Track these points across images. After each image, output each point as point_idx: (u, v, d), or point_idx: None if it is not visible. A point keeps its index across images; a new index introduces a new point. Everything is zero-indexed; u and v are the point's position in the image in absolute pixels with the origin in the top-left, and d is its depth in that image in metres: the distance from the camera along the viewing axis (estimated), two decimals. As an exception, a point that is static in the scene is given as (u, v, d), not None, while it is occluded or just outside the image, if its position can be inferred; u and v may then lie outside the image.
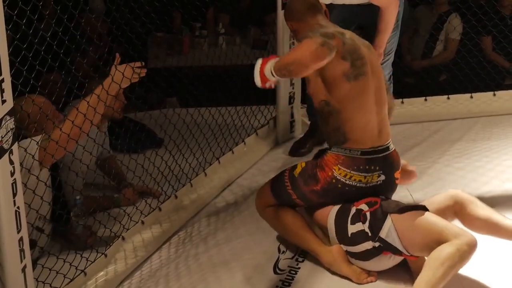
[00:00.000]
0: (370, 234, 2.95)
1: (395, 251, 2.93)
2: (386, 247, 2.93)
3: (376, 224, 2.94)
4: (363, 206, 3.00)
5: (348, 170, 3.03)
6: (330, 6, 3.68)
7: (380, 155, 3.06)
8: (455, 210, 3.03)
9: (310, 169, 3.12)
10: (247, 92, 5.00)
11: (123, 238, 3.33)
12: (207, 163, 4.02)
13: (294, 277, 3.12)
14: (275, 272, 3.14)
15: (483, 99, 4.91)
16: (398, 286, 3.00)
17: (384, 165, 3.06)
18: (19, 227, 2.49)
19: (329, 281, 3.08)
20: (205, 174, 3.97)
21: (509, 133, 4.58)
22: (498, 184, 3.84)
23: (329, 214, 3.09)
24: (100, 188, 3.72)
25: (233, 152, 4.23)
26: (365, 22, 3.97)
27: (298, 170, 3.17)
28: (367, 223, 2.96)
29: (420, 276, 2.77)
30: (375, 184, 3.06)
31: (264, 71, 2.89)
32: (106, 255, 3.19)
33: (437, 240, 2.79)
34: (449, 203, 3.05)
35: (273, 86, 2.97)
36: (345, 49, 2.97)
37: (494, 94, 4.94)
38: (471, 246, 2.75)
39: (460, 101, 4.79)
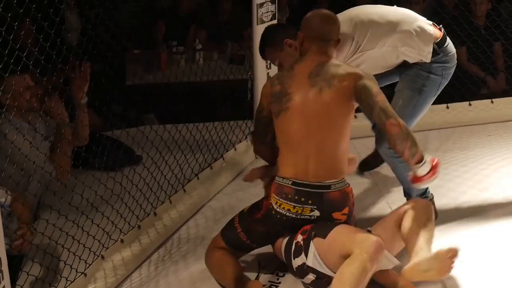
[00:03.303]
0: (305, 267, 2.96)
1: (324, 276, 2.91)
2: (319, 277, 2.93)
3: (307, 253, 2.96)
4: (299, 237, 3.01)
5: (278, 197, 3.06)
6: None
7: (313, 190, 3.02)
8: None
9: (259, 200, 3.22)
10: (225, 107, 5.02)
11: (103, 257, 3.31)
12: (186, 179, 4.02)
13: (275, 291, 3.12)
14: (255, 288, 3.12)
15: (459, 109, 4.96)
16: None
17: (319, 202, 3.02)
18: (-4, 248, 2.48)
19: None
20: (184, 191, 3.97)
21: (486, 143, 4.63)
22: (476, 193, 3.86)
23: (281, 247, 3.12)
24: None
25: (211, 168, 4.23)
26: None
27: (248, 206, 3.25)
28: (303, 254, 2.97)
29: None
30: (308, 218, 3.03)
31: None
32: (85, 275, 3.17)
33: (344, 254, 2.79)
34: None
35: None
36: (271, 92, 3.14)
37: (470, 104, 4.99)
38: (372, 251, 2.72)
39: (436, 112, 4.83)
